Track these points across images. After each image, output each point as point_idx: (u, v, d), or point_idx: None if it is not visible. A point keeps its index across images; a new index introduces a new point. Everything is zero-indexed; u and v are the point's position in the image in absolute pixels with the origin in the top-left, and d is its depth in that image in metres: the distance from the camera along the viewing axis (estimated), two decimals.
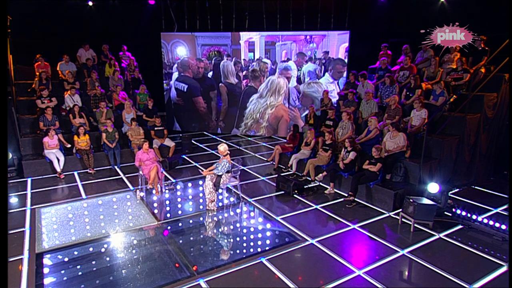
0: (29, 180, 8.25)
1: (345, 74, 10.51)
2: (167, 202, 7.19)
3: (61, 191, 7.74)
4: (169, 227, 6.07)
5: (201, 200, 7.17)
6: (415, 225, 5.87)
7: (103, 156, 9.23)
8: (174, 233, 5.94)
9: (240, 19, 12.46)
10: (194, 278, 4.56)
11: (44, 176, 8.45)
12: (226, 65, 12.10)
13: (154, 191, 7.41)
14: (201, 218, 6.51)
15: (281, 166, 9.03)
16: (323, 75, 10.60)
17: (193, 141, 11.58)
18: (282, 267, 4.78)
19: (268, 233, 5.87)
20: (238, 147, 11.31)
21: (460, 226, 5.97)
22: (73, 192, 7.61)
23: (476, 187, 7.79)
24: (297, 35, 10.53)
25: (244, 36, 11.26)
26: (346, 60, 10.31)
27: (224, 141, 11.39)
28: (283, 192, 7.51)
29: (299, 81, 10.86)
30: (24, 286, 4.47)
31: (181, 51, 12.26)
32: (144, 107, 10.71)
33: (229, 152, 6.74)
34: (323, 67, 10.45)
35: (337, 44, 10.25)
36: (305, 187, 7.66)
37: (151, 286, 4.44)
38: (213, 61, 12.14)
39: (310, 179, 8.01)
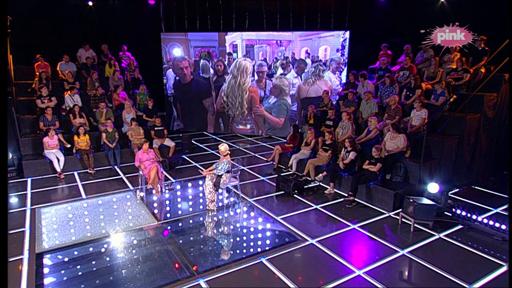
0: (29, 180, 8.25)
1: (306, 70, 12.00)
2: (167, 202, 7.19)
3: (61, 191, 7.74)
4: (169, 227, 6.08)
5: (201, 200, 7.17)
6: (415, 225, 5.87)
7: (103, 156, 9.23)
8: (174, 233, 5.94)
9: (240, 19, 12.49)
10: (194, 278, 4.56)
11: (44, 176, 8.45)
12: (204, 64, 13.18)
13: (154, 191, 7.41)
14: (201, 218, 6.51)
15: (281, 166, 9.04)
16: (289, 71, 12.22)
17: (193, 141, 11.58)
18: (282, 267, 4.78)
19: (268, 233, 5.87)
20: (238, 147, 11.32)
21: (460, 226, 5.97)
22: (73, 192, 7.61)
23: (476, 187, 7.79)
24: (270, 40, 12.25)
25: (229, 39, 12.65)
26: (306, 61, 11.98)
27: (225, 141, 11.40)
28: (283, 192, 7.51)
29: (270, 76, 12.60)
30: (24, 286, 4.47)
31: (177, 52, 13.03)
32: (144, 107, 10.72)
33: (229, 152, 6.74)
34: (290, 65, 12.24)
35: (299, 47, 11.96)
36: (305, 187, 7.66)
37: (151, 286, 4.44)
38: (201, 62, 13.03)
39: (310, 179, 8.01)
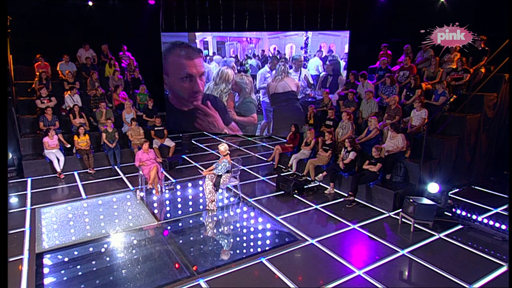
0: (29, 180, 8.25)
1: (277, 66, 12.38)
2: (167, 202, 7.19)
3: (61, 191, 7.73)
4: (169, 227, 6.08)
5: (201, 200, 7.17)
6: (415, 225, 5.87)
7: (103, 156, 9.23)
8: (174, 233, 5.94)
9: (240, 19, 12.50)
10: (194, 278, 4.57)
11: (44, 176, 8.45)
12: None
13: (154, 191, 7.41)
14: (201, 218, 6.51)
15: (281, 166, 9.03)
16: (263, 66, 12.54)
17: (193, 141, 11.58)
18: (282, 267, 4.78)
19: (268, 233, 5.87)
20: (238, 147, 11.31)
21: (460, 226, 5.97)
22: (73, 192, 7.61)
23: (476, 187, 7.79)
24: (240, 37, 12.54)
25: (199, 36, 12.71)
26: (278, 56, 12.31)
27: (224, 141, 11.40)
28: (283, 192, 7.51)
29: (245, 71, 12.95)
30: (24, 286, 4.47)
31: None
32: (144, 107, 10.72)
33: (229, 152, 6.74)
34: (260, 62, 12.66)
35: (268, 44, 12.38)
36: (305, 187, 7.66)
37: (151, 286, 4.44)
38: None
39: (310, 179, 8.01)
